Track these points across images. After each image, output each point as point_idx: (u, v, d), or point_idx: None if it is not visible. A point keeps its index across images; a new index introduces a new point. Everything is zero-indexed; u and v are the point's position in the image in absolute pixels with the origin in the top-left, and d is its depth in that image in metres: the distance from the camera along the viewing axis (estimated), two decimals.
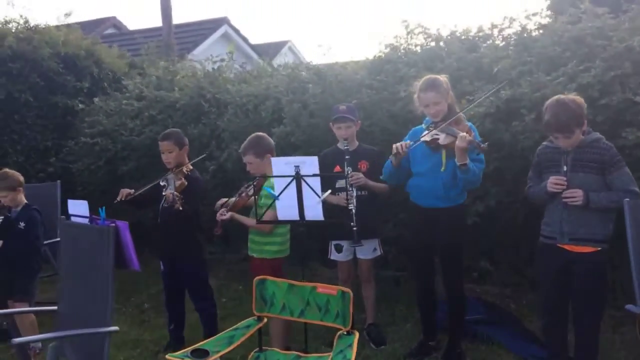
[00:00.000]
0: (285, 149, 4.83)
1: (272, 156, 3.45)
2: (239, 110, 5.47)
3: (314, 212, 2.72)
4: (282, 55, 13.96)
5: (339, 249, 3.81)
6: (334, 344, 2.45)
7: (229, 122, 5.45)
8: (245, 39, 12.70)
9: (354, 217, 3.47)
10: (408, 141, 3.30)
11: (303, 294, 2.61)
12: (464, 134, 2.98)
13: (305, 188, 2.69)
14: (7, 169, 4.01)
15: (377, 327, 3.88)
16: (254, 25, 33.86)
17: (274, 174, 2.81)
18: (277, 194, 2.79)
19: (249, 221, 3.37)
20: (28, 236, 3.86)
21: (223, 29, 12.30)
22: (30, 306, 3.90)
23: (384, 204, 4.08)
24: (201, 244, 3.86)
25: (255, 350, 2.72)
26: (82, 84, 7.75)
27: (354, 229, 3.46)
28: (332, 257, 3.87)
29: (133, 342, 3.94)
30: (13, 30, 7.42)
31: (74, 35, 7.86)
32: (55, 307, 2.91)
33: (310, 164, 2.69)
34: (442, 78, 3.32)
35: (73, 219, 2.95)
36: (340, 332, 2.51)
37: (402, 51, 5.32)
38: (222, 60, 6.92)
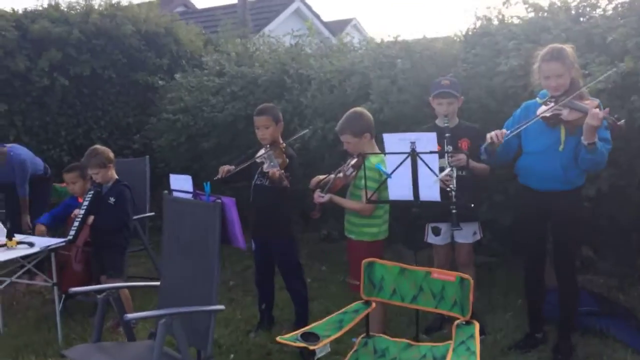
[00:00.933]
0: None
1: (371, 134, 3.29)
2: (323, 86, 5.33)
3: (430, 192, 2.54)
4: (347, 33, 13.67)
5: (436, 232, 3.62)
6: (453, 333, 2.28)
7: (312, 99, 5.32)
8: (317, 15, 12.51)
9: (454, 199, 3.25)
10: (504, 130, 3.03)
11: (416, 279, 2.45)
12: (596, 110, 2.69)
13: (421, 166, 2.51)
14: (97, 146, 4.04)
15: (476, 315, 3.66)
16: (321, 2, 33.41)
17: (387, 150, 2.63)
18: (389, 171, 2.63)
19: (350, 203, 3.23)
20: (117, 212, 3.88)
21: (295, 4, 12.15)
22: (122, 282, 3.96)
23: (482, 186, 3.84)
24: (293, 223, 3.75)
25: (362, 336, 2.59)
26: (162, 61, 7.85)
27: (453, 211, 3.25)
28: (429, 241, 3.68)
29: (224, 321, 3.92)
30: (96, 7, 7.55)
31: (153, 13, 7.93)
32: (157, 283, 2.88)
33: (427, 141, 2.50)
34: (569, 49, 3.01)
35: (175, 194, 2.90)
36: (458, 321, 2.34)
37: (496, 23, 5.00)
38: (301, 36, 6.79)
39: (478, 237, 3.64)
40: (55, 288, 3.74)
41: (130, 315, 2.32)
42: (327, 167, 5.34)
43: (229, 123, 5.96)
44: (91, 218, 3.84)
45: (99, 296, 2.72)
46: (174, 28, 8.00)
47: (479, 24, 5.04)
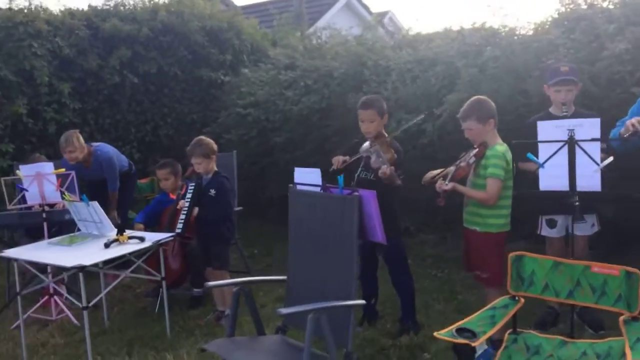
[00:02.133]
0: None
1: (495, 121, 3.19)
2: (403, 77, 5.24)
3: (590, 181, 2.43)
4: (384, 26, 13.49)
5: (552, 224, 3.49)
6: (622, 330, 2.17)
7: (393, 90, 5.23)
8: (366, 8, 12.39)
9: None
10: None
11: (572, 274, 2.35)
12: None
13: (579, 155, 2.40)
14: (202, 137, 4.03)
15: (590, 310, 3.54)
16: None
17: (540, 138, 2.53)
18: (541, 160, 2.52)
19: (474, 192, 3.13)
20: (219, 203, 3.88)
21: None
22: (227, 273, 3.96)
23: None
24: (398, 216, 3.67)
25: (509, 332, 2.50)
26: (225, 56, 7.86)
27: (576, 204, 3.11)
28: (543, 233, 3.56)
29: None
30: (160, 3, 7.59)
31: (216, 8, 7.95)
32: (284, 277, 2.85)
33: (589, 127, 2.39)
34: None
35: (299, 187, 2.85)
36: (624, 317, 2.23)
37: (585, 7, 4.82)
38: (368, 27, 6.73)
39: (596, 228, 3.50)
40: (164, 282, 3.75)
41: (285, 310, 2.28)
42: (409, 160, 5.24)
43: (304, 116, 5.91)
44: (196, 210, 3.83)
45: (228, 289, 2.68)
46: (236, 22, 7.99)
47: (562, 10, 4.89)
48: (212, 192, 3.87)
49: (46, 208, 4.13)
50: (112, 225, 3.71)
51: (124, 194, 5.17)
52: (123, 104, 7.09)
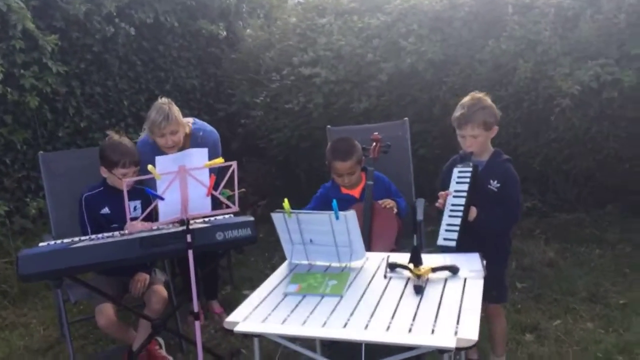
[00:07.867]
0: None
1: None
2: (564, 16, 4.11)
3: None
4: None
5: None
6: None
7: (553, 31, 4.07)
8: None
9: None
10: None
11: None
12: None
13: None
14: (480, 95, 2.51)
15: None
16: None
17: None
18: None
19: None
20: (505, 201, 2.44)
21: None
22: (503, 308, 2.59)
23: None
24: None
25: None
26: (229, 0, 6.13)
27: None
28: None
29: None
30: None
31: None
32: None
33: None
34: None
35: None
36: None
37: None
38: None
39: None
40: None
41: None
42: None
43: (404, 75, 4.53)
44: (474, 212, 2.37)
45: None
46: None
47: None
48: (494, 184, 2.43)
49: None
50: (364, 249, 2.15)
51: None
52: (114, 67, 5.10)
